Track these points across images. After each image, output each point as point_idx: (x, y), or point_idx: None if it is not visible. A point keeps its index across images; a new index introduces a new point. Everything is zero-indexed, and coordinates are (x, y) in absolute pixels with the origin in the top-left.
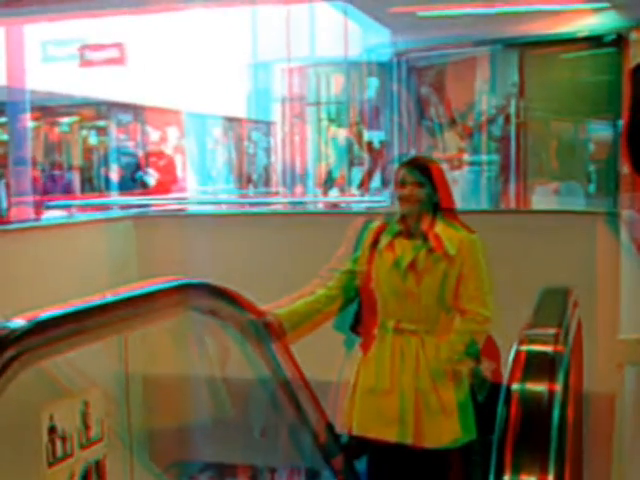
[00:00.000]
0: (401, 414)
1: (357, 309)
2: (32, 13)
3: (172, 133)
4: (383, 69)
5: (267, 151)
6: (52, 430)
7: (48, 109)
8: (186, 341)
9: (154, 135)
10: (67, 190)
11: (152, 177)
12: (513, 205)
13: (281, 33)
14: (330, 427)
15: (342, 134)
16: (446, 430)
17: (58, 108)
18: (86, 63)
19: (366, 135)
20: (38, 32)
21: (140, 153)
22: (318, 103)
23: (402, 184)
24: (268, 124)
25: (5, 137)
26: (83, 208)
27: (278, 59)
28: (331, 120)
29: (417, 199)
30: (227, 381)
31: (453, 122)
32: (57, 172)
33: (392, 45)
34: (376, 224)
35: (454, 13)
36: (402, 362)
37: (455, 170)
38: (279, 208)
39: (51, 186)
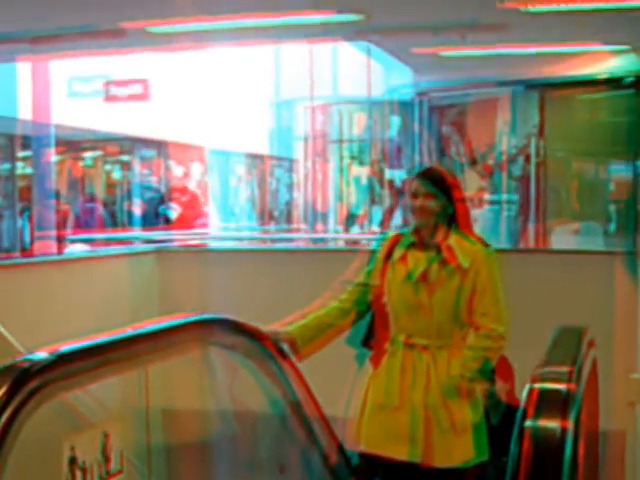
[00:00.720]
0: (410, 431)
1: (369, 323)
2: (58, 50)
3: (195, 169)
4: (405, 108)
5: (289, 188)
6: (72, 461)
7: (72, 144)
8: (205, 375)
9: (177, 170)
10: (102, 223)
11: (175, 211)
12: (532, 244)
13: (304, 72)
14: (342, 450)
15: (364, 172)
16: (457, 449)
17: (82, 143)
18: (110, 99)
19: (387, 173)
20: (64, 68)
21: (163, 188)
22: (340, 141)
23: (414, 195)
24: (290, 161)
25: (30, 171)
26: (106, 242)
27: (301, 97)
28: (353, 158)
29: (430, 211)
30: (246, 417)
31: (474, 161)
32: (92, 205)
33: (414, 84)
34: (391, 235)
35: (476, 54)
36: (412, 378)
37: (475, 209)
38: (300, 245)
39: (88, 219)
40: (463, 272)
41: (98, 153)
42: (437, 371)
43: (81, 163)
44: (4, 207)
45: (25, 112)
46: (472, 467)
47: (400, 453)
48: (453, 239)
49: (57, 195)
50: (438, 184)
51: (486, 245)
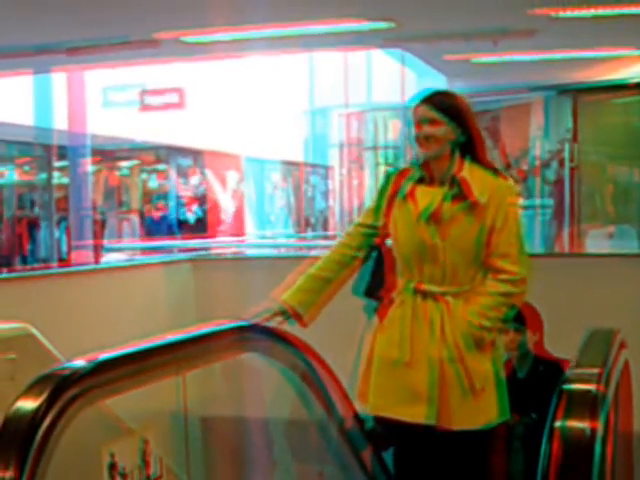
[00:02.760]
0: (424, 390)
1: (373, 270)
2: (93, 60)
3: (231, 177)
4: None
5: (324, 195)
6: (112, 467)
7: (108, 153)
8: (242, 382)
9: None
10: (170, 232)
11: (195, 215)
12: (567, 248)
13: (339, 80)
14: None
15: None
16: (476, 409)
17: (118, 152)
18: (146, 108)
19: None
20: (99, 78)
21: (187, 195)
22: (375, 147)
23: (419, 123)
24: (326, 168)
25: (66, 181)
26: (144, 251)
27: (336, 105)
28: (388, 164)
29: (437, 140)
30: (283, 423)
31: (508, 166)
32: (160, 214)
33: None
34: (398, 170)
35: (508, 60)
36: (425, 329)
37: None
38: None
39: (155, 228)
40: (480, 208)
41: (134, 162)
42: (453, 321)
43: (117, 172)
44: (41, 217)
45: (61, 122)
46: (493, 428)
47: (413, 415)
48: (468, 171)
49: (94, 204)
50: (447, 109)
51: (505, 177)
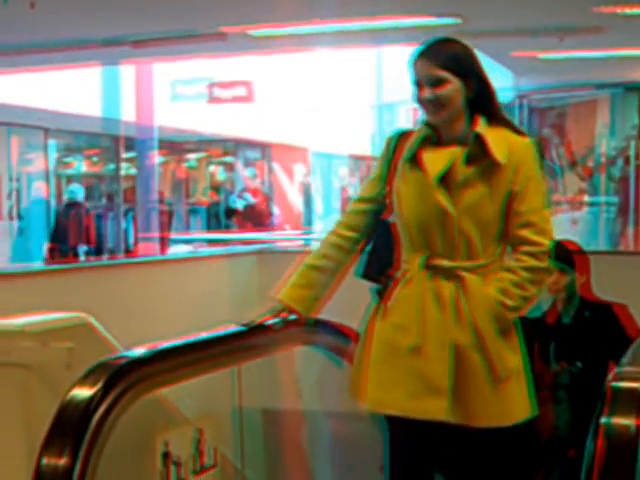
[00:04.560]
0: (438, 381)
1: (374, 247)
2: (159, 53)
3: (298, 170)
4: (505, 111)
5: None
6: (166, 456)
7: (176, 145)
8: (301, 374)
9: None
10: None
11: (243, 201)
12: (632, 246)
13: (406, 75)
14: None
15: None
16: (501, 403)
17: (186, 144)
18: (214, 100)
19: None
20: (167, 71)
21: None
22: None
23: (422, 84)
24: None
25: (134, 172)
26: (212, 244)
27: (403, 100)
28: None
29: (445, 102)
30: (343, 416)
31: (573, 163)
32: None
33: (514, 87)
34: (401, 133)
35: (575, 57)
36: (437, 310)
37: (575, 211)
38: None
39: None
40: (499, 170)
41: (202, 154)
42: (470, 300)
43: (185, 164)
44: (109, 208)
45: (128, 114)
46: (518, 425)
47: (425, 411)
48: (482, 126)
49: (161, 196)
50: (450, 62)
51: (523, 135)
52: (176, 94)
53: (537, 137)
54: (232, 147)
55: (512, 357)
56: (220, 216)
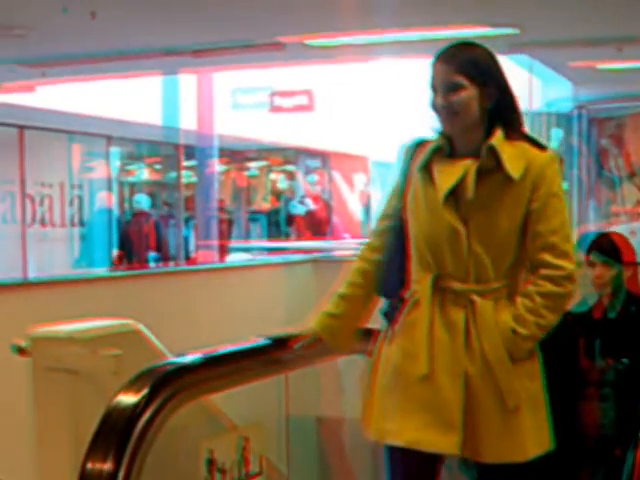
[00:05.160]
0: (445, 411)
1: (389, 264)
2: (218, 63)
3: (359, 179)
4: (564, 121)
5: None
6: (210, 463)
7: (236, 154)
8: (349, 382)
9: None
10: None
11: (303, 207)
12: None
13: None
14: None
15: None
16: (511, 436)
17: (246, 153)
18: (275, 109)
19: None
20: (228, 80)
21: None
22: None
23: (437, 89)
24: None
25: (194, 180)
26: (270, 252)
27: None
28: None
29: (460, 110)
30: None
31: (632, 174)
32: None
33: (573, 97)
34: (418, 143)
35: (634, 67)
36: (445, 338)
37: (633, 222)
38: None
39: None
40: (513, 186)
41: (262, 163)
42: (479, 328)
43: (245, 173)
44: (170, 215)
45: (188, 122)
46: (531, 461)
47: (430, 443)
48: (498, 139)
49: (221, 204)
50: (467, 67)
51: (543, 148)
52: (237, 103)
53: (559, 152)
54: (293, 156)
55: (529, 384)
56: (280, 223)
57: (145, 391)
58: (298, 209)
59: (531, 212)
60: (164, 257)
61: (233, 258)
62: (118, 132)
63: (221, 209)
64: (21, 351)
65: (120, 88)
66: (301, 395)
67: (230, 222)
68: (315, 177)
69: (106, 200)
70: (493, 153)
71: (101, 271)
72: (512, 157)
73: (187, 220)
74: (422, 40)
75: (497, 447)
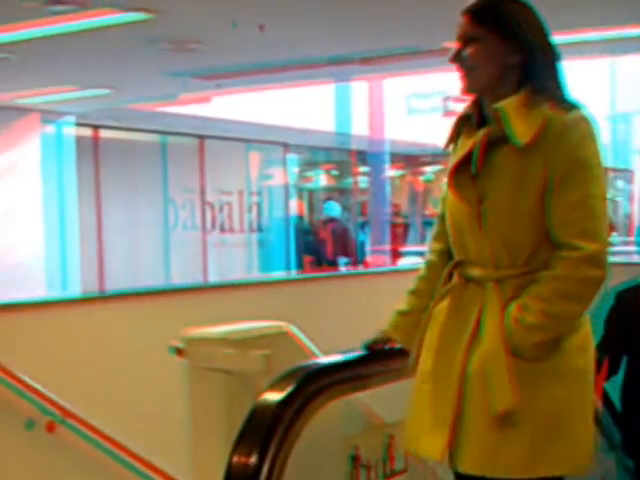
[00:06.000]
0: (439, 414)
1: None
2: (388, 70)
3: None
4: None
5: (629, 200)
6: (355, 459)
7: (412, 159)
8: None
9: None
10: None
11: None
12: None
13: None
14: None
15: None
16: (498, 446)
17: (422, 158)
18: (449, 114)
19: None
20: (402, 86)
21: None
22: None
23: (458, 43)
24: (629, 172)
25: (368, 185)
26: None
27: (638, 110)
28: None
29: (476, 65)
30: None
31: None
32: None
33: None
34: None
35: None
36: (454, 330)
37: None
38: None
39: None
40: (526, 154)
41: (438, 167)
42: (489, 319)
43: (421, 177)
44: (345, 221)
45: (359, 128)
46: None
47: (425, 448)
48: (510, 101)
49: (396, 209)
50: (488, 16)
51: (572, 108)
52: (411, 108)
53: None
54: None
55: (552, 393)
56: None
57: (290, 389)
58: None
59: (549, 183)
60: (353, 261)
61: (405, 262)
62: (294, 139)
63: (396, 214)
64: (178, 352)
65: (294, 96)
66: None
67: (406, 226)
68: None
69: (294, 207)
70: (497, 117)
71: (278, 275)
72: (523, 120)
73: (363, 225)
74: (599, 41)
75: (481, 455)
